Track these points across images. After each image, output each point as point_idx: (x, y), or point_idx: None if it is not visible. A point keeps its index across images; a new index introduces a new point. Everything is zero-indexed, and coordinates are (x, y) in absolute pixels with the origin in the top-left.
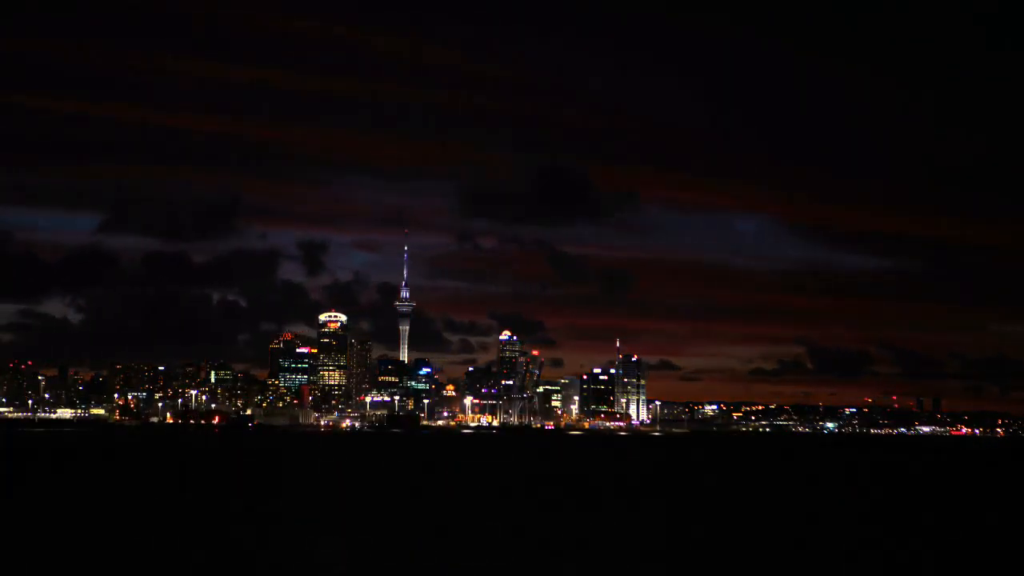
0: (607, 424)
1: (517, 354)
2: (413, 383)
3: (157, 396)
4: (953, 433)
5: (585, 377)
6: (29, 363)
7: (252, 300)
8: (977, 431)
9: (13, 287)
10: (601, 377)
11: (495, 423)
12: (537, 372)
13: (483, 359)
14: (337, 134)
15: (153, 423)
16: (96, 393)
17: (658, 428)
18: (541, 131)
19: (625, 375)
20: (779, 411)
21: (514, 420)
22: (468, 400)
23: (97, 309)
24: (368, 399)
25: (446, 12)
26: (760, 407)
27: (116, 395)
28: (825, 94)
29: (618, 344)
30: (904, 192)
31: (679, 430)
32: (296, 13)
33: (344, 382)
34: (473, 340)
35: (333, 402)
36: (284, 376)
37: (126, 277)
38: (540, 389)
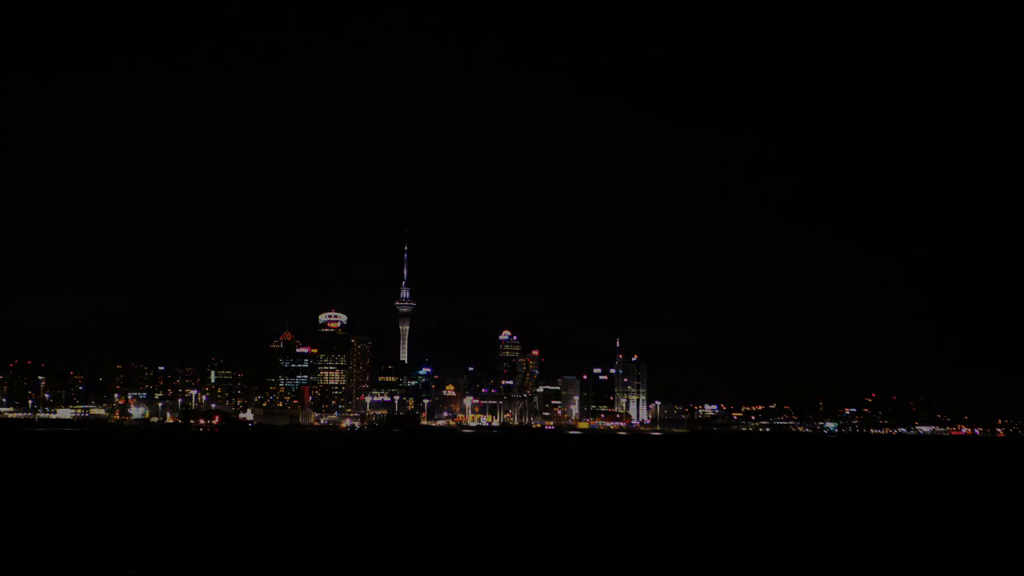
0: (607, 424)
1: (517, 354)
2: (413, 383)
3: (157, 396)
4: (953, 433)
5: (585, 377)
6: (29, 363)
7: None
8: (977, 431)
9: None
10: (601, 377)
11: (495, 423)
12: (537, 372)
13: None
14: None
15: (153, 423)
16: (96, 393)
17: (658, 428)
18: None
19: (625, 375)
20: (779, 411)
21: (514, 420)
22: (468, 400)
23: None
24: (368, 399)
25: None
26: (760, 407)
27: (116, 395)
28: None
29: (618, 344)
30: None
31: (679, 430)
32: None
33: (344, 382)
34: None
35: (333, 402)
36: (284, 376)
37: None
38: (540, 389)
